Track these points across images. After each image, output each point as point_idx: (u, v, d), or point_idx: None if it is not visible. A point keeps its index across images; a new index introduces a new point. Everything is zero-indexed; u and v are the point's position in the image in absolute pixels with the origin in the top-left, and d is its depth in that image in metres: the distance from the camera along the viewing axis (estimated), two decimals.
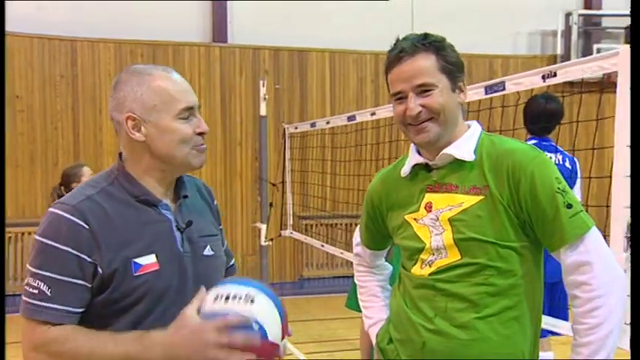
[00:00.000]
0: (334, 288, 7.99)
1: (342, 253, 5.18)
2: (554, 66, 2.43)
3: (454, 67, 1.69)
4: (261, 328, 1.36)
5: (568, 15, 9.16)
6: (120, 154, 1.60)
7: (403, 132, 1.76)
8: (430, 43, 1.67)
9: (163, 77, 1.53)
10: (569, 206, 1.59)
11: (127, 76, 1.54)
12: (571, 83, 2.86)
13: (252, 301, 1.37)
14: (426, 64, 1.65)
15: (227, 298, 1.37)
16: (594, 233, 1.61)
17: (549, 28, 9.39)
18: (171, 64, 8.13)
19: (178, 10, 8.18)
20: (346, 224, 8.20)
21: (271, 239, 6.46)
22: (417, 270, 1.74)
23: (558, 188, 1.60)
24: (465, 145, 1.70)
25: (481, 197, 1.65)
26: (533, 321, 1.71)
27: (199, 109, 1.57)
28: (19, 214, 7.48)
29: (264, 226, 6.24)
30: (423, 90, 1.66)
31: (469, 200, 1.66)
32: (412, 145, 1.79)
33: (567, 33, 9.15)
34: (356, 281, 2.11)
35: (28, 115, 7.77)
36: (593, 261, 1.57)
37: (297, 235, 6.94)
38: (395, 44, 1.70)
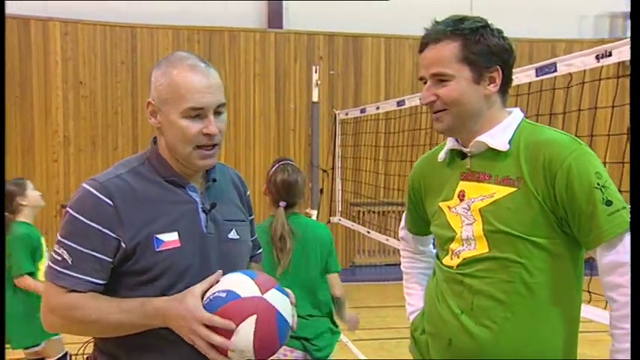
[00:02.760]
0: (386, 276, 7.92)
1: (387, 240, 5.13)
2: (609, 45, 2.27)
3: (482, 58, 1.58)
4: (229, 293, 1.43)
5: None
6: (154, 139, 1.65)
7: None
8: (459, 30, 1.59)
9: (184, 72, 1.52)
10: (609, 203, 1.49)
11: (163, 62, 1.58)
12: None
13: (218, 281, 1.47)
14: (445, 53, 1.59)
15: (208, 297, 1.46)
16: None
17: (619, 9, 8.93)
18: (227, 50, 8.24)
19: None
20: (399, 212, 8.10)
21: None
22: (447, 260, 1.69)
23: (598, 184, 1.50)
24: (500, 134, 1.62)
25: (513, 189, 1.57)
26: (569, 321, 1.62)
27: (221, 107, 1.54)
28: None
29: (314, 212, 6.25)
30: (440, 79, 1.61)
31: (501, 191, 1.59)
32: None
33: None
34: (402, 267, 2.09)
35: (90, 101, 8.04)
36: (631, 262, 1.46)
37: (345, 222, 6.91)
38: (428, 28, 1.65)
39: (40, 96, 7.87)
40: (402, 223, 2.06)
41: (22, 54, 7.74)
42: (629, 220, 1.49)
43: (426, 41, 1.63)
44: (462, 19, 1.62)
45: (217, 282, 1.49)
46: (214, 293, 1.45)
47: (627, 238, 1.48)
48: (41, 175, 7.92)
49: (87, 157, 8.00)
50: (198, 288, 1.46)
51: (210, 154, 1.56)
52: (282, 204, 2.83)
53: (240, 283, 1.46)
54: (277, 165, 2.94)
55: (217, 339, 1.40)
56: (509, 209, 1.57)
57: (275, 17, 8.42)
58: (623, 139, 2.65)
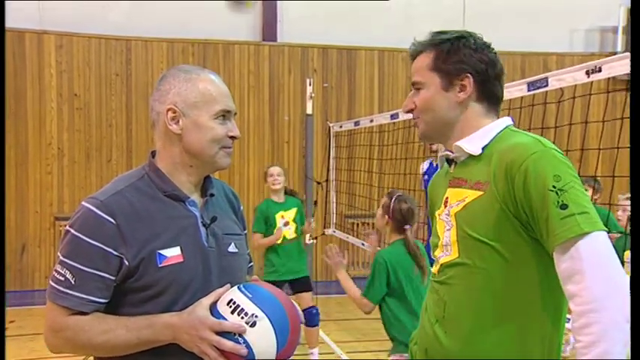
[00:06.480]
0: None
1: None
2: (599, 61, 2.31)
3: (451, 66, 1.65)
4: (250, 352, 1.44)
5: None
6: (152, 153, 1.66)
7: None
8: (434, 42, 1.69)
9: (209, 80, 1.61)
10: (564, 207, 1.44)
11: (175, 72, 1.62)
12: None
13: (253, 324, 1.45)
14: (421, 63, 1.71)
15: (235, 309, 1.47)
16: (594, 239, 1.42)
17: (609, 24, 9.05)
18: (222, 62, 8.28)
19: (229, 9, 8.30)
20: None
21: (315, 237, 6.47)
22: (433, 268, 1.73)
23: (554, 186, 1.45)
24: (477, 139, 1.64)
25: (480, 193, 1.57)
26: (540, 330, 1.57)
27: (235, 115, 1.66)
28: (75, 209, 7.73)
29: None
30: (417, 88, 1.72)
31: (471, 195, 1.60)
32: None
33: (629, 29, 8.79)
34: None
35: (84, 113, 8.05)
36: (586, 269, 1.40)
37: (339, 234, 6.92)
38: (414, 42, 1.76)
39: (35, 108, 7.87)
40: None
41: (16, 66, 7.75)
42: (585, 224, 1.42)
43: (410, 54, 1.76)
44: (440, 32, 1.72)
45: (226, 294, 1.50)
46: (235, 335, 1.44)
47: (583, 245, 1.42)
48: (35, 187, 7.91)
49: (81, 170, 7.99)
50: (206, 300, 1.48)
51: (231, 153, 1.65)
52: (408, 227, 3.32)
53: (263, 349, 1.45)
54: (395, 197, 3.39)
55: (228, 344, 1.42)
56: (475, 213, 1.57)
57: (269, 30, 8.47)
58: (614, 153, 2.68)
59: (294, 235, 5.20)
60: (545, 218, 1.46)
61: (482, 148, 1.63)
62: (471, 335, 1.57)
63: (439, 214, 1.71)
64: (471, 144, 1.65)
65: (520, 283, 1.54)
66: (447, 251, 1.64)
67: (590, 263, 1.41)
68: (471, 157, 1.66)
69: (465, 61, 1.66)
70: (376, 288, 3.29)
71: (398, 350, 3.30)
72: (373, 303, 3.32)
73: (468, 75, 1.65)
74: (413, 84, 1.72)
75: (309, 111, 6.46)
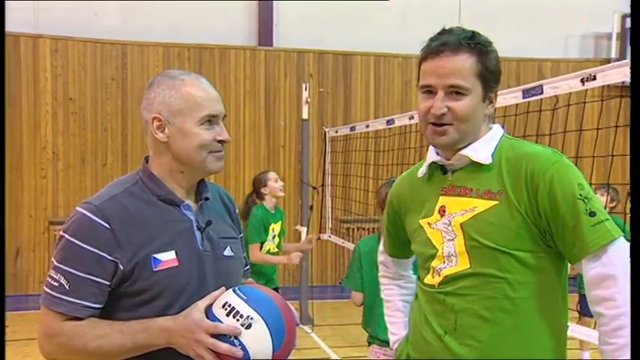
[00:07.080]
0: None
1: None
2: (594, 69, 2.33)
3: (491, 76, 1.58)
4: (246, 354, 1.43)
5: (624, 17, 8.84)
6: (146, 158, 1.66)
7: (422, 129, 1.66)
8: (476, 44, 1.56)
9: (193, 84, 1.58)
10: (592, 214, 1.47)
11: (161, 78, 1.61)
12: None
13: (248, 327, 1.44)
14: (465, 65, 1.55)
15: (230, 312, 1.46)
16: (620, 244, 1.48)
17: (604, 30, 9.09)
18: (217, 67, 8.28)
19: (225, 14, 8.31)
20: None
21: None
22: (428, 279, 1.67)
23: (580, 194, 1.49)
24: (483, 148, 1.61)
25: (495, 202, 1.55)
26: (555, 335, 1.59)
27: (224, 118, 1.63)
28: (70, 213, 7.70)
29: (304, 229, 6.25)
30: (455, 92, 1.56)
31: (482, 205, 1.56)
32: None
33: (623, 36, 8.84)
34: (382, 295, 2.05)
35: (80, 117, 8.03)
36: (618, 274, 1.44)
37: (335, 239, 6.92)
38: (439, 34, 1.59)
39: (30, 112, 7.85)
40: (381, 248, 2.01)
41: (11, 70, 7.73)
42: (614, 231, 1.47)
43: (443, 49, 1.55)
44: (473, 35, 1.58)
45: (222, 297, 1.50)
46: (230, 337, 1.44)
47: (612, 250, 1.47)
48: (29, 191, 7.88)
49: (76, 174, 7.97)
50: (202, 303, 1.48)
51: (222, 157, 1.62)
52: None
53: (259, 351, 1.45)
54: (386, 182, 3.43)
55: (224, 346, 1.42)
56: (490, 223, 1.54)
57: (265, 35, 8.47)
58: (609, 161, 2.70)
59: (275, 250, 4.84)
60: (573, 226, 1.48)
61: (491, 157, 1.60)
62: (488, 343, 1.56)
63: (429, 223, 1.66)
64: (478, 152, 1.60)
65: (540, 289, 1.56)
66: (450, 262, 1.60)
67: (621, 268, 1.45)
68: (472, 164, 1.61)
69: (497, 74, 1.60)
70: (352, 275, 3.34)
71: (372, 342, 3.30)
72: (349, 288, 3.35)
73: (496, 89, 1.62)
74: (452, 86, 1.54)
75: (304, 116, 6.47)
